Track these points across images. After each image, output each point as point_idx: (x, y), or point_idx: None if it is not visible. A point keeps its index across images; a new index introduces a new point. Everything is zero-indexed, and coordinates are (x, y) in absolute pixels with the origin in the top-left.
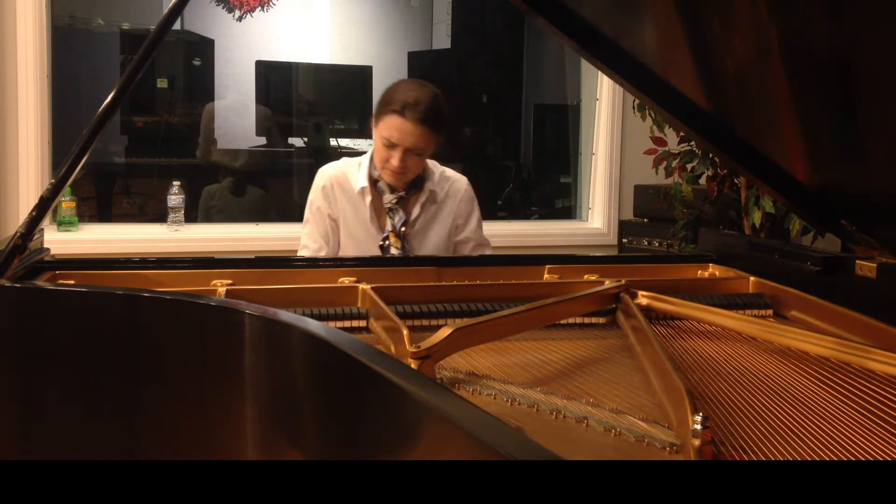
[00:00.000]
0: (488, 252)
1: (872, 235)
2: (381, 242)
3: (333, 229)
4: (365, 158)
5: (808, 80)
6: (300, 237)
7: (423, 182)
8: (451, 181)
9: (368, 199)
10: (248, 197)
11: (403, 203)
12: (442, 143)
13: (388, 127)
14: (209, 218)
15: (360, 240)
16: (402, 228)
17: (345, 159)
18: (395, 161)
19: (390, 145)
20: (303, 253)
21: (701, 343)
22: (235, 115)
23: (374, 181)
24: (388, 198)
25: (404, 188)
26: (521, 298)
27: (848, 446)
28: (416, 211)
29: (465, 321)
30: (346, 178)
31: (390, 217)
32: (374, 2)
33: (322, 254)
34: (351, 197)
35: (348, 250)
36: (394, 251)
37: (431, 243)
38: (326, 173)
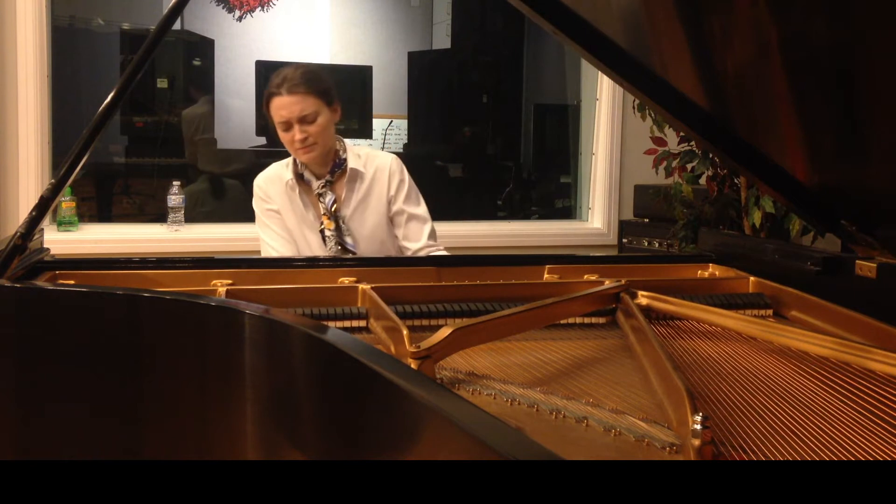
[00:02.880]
0: (428, 227)
1: (872, 235)
2: (320, 227)
3: (283, 222)
4: (291, 158)
5: (808, 80)
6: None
7: (345, 163)
8: (377, 159)
9: (297, 190)
10: (229, 193)
11: (332, 186)
12: (339, 108)
13: (275, 109)
14: (195, 221)
15: (303, 231)
16: (333, 208)
17: (275, 163)
18: (297, 135)
19: (285, 126)
20: (272, 255)
21: (701, 343)
22: (224, 118)
23: (300, 175)
24: (316, 184)
25: (328, 171)
26: (521, 298)
27: (848, 446)
28: (343, 191)
29: (465, 321)
30: (277, 177)
31: (321, 201)
32: (374, 2)
33: (289, 247)
34: (285, 192)
35: (297, 242)
36: (327, 233)
37: (372, 222)
38: (261, 177)
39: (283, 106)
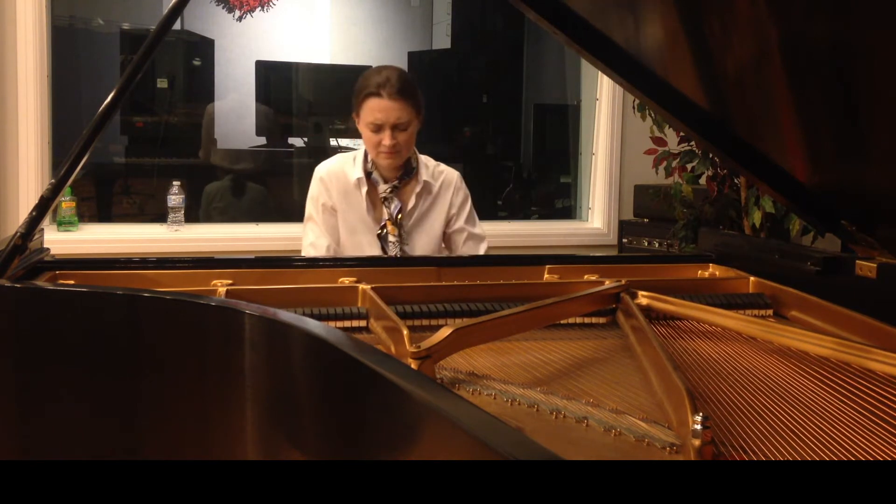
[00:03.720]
0: (484, 245)
1: (872, 235)
2: (379, 231)
3: (335, 223)
4: (359, 153)
5: (808, 81)
6: (301, 236)
7: (417, 172)
8: (444, 174)
9: (364, 189)
10: (249, 195)
11: (398, 192)
12: (423, 120)
13: (371, 110)
14: (211, 218)
15: (358, 231)
16: (399, 216)
17: (340, 155)
18: (386, 140)
19: (377, 128)
20: (309, 251)
21: (701, 343)
22: (236, 115)
23: (367, 174)
24: (383, 187)
25: (398, 177)
26: (521, 298)
27: (848, 446)
28: (411, 201)
29: (465, 321)
30: (342, 172)
31: (386, 206)
32: (374, 2)
33: (331, 250)
34: (347, 189)
35: (346, 242)
36: (391, 239)
37: (429, 234)
38: (324, 167)
39: (382, 109)
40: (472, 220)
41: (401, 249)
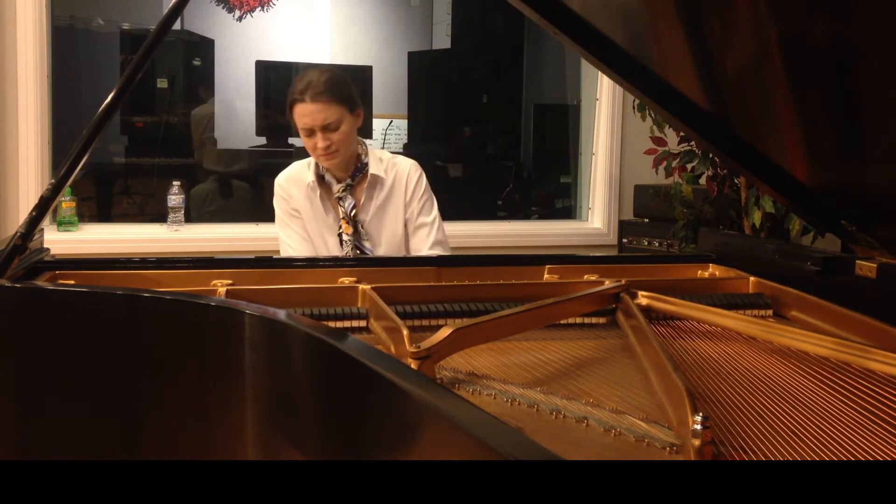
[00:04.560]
0: (434, 236)
1: (872, 235)
2: (338, 231)
3: (304, 224)
4: (312, 159)
5: (809, 81)
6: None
7: (367, 167)
8: (397, 165)
9: (318, 192)
10: (237, 194)
11: (351, 190)
12: (362, 114)
13: (299, 116)
14: (203, 220)
15: (324, 234)
16: (353, 212)
17: (295, 162)
18: (319, 143)
19: (309, 132)
20: (288, 251)
21: (701, 343)
22: (227, 116)
23: (321, 177)
24: (337, 187)
25: (350, 175)
26: (521, 298)
27: (848, 446)
28: (363, 197)
29: (465, 321)
30: (299, 177)
31: (340, 204)
32: (374, 2)
33: (308, 248)
34: (306, 193)
35: (316, 245)
36: (345, 238)
37: (391, 227)
38: (283, 176)
39: (307, 113)
40: (426, 210)
41: (356, 247)
